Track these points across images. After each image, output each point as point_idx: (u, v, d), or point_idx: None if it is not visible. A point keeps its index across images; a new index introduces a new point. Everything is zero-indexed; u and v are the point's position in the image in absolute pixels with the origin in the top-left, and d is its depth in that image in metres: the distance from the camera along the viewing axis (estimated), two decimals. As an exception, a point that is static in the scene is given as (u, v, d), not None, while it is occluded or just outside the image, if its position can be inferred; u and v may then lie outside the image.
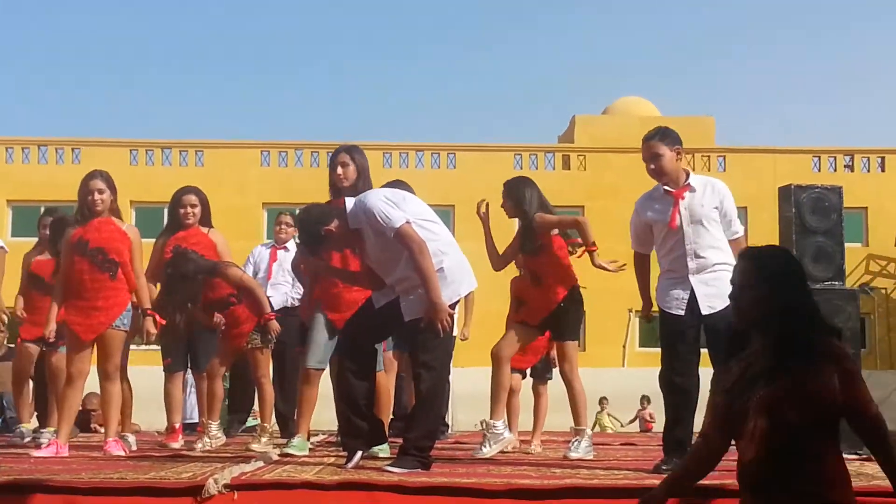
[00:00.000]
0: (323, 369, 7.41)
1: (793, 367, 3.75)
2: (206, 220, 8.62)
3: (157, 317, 7.87)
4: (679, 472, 4.47)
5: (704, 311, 6.43)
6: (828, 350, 3.80)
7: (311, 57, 70.36)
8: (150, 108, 66.33)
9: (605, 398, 18.03)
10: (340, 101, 69.67)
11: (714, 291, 6.42)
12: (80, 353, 7.57)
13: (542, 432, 8.43)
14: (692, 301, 6.51)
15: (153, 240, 8.69)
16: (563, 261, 7.65)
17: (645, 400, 18.89)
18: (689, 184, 6.67)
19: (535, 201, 7.63)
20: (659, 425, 12.00)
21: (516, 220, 7.78)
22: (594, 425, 10.23)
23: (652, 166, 6.75)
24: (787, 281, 3.93)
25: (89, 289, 7.58)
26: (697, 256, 6.52)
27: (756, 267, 3.99)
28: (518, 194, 7.63)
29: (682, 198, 6.60)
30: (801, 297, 3.92)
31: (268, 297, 8.50)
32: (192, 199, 8.60)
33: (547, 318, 7.59)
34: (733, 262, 6.34)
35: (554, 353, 8.25)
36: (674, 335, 6.57)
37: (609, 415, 19.07)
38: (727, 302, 6.15)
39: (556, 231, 7.64)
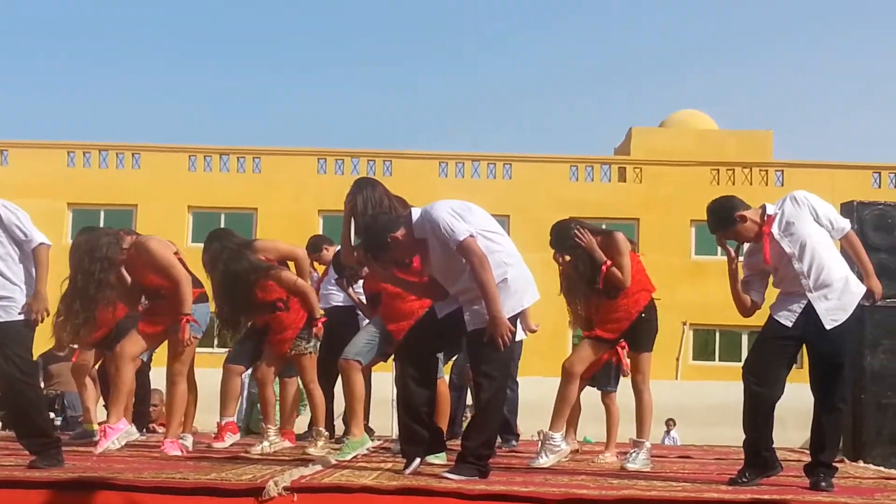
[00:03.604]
0: (357, 362, 7.37)
1: None
2: None
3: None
4: None
5: (828, 326, 6.18)
6: None
7: (368, 65, 70.65)
8: (210, 114, 66.92)
9: (671, 419, 17.83)
10: (397, 109, 69.97)
11: (835, 304, 6.23)
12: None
13: (616, 443, 8.39)
14: (806, 317, 6.26)
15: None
16: (640, 272, 7.67)
17: (671, 422, 18.68)
18: (769, 216, 6.40)
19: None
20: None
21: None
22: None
23: (736, 246, 6.58)
24: None
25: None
26: (810, 275, 6.26)
27: None
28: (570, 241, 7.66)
29: (770, 231, 6.35)
30: None
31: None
32: None
33: (627, 330, 7.62)
34: (848, 271, 6.32)
35: (616, 361, 8.25)
36: (769, 340, 6.36)
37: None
38: (849, 313, 6.15)
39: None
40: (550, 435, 7.59)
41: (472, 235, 6.08)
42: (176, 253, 8.11)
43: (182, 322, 7.78)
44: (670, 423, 18.45)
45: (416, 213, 6.32)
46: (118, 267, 7.92)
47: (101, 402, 9.47)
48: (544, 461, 7.46)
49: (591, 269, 7.64)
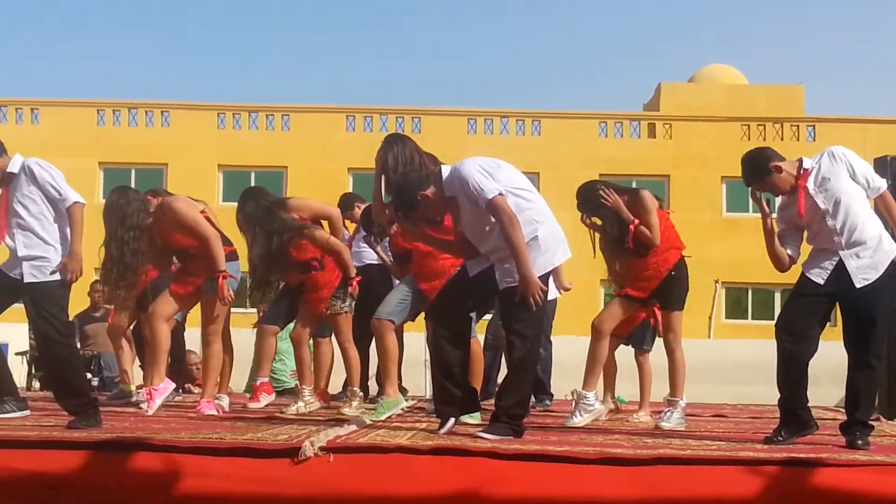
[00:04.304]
0: (390, 321, 7.38)
1: None
2: None
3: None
4: None
5: (859, 285, 6.14)
6: None
7: (396, 22, 70.37)
8: (238, 71, 66.88)
9: None
10: (426, 67, 69.72)
11: (867, 263, 6.17)
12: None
13: (649, 402, 8.39)
14: (838, 274, 6.20)
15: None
16: (669, 230, 7.65)
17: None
18: (805, 170, 6.31)
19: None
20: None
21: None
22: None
23: (769, 197, 6.51)
24: None
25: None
26: (843, 232, 6.19)
27: None
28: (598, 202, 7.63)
29: (805, 185, 6.27)
30: None
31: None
32: None
33: (657, 288, 7.61)
34: (882, 230, 6.24)
35: (654, 321, 8.23)
36: (802, 298, 6.31)
37: None
38: (881, 272, 6.09)
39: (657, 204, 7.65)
40: (584, 394, 7.59)
41: (501, 194, 6.04)
42: (203, 212, 8.13)
43: (219, 280, 7.81)
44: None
45: (445, 171, 6.29)
46: (149, 231, 7.96)
47: (137, 362, 9.53)
48: (578, 420, 7.47)
49: (620, 230, 7.62)
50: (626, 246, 7.62)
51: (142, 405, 7.89)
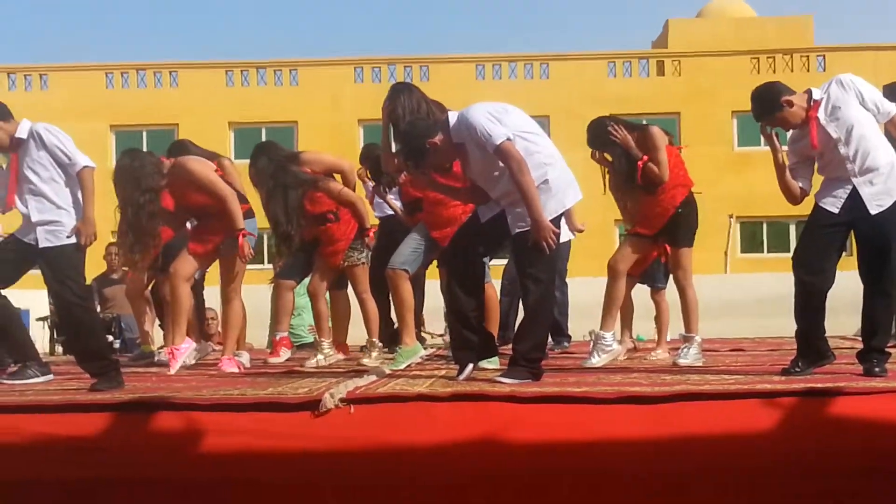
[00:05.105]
0: (405, 271, 7.37)
1: None
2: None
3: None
4: None
5: (873, 211, 6.13)
6: None
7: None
8: (244, 28, 66.56)
9: None
10: (431, 14, 69.23)
11: (881, 189, 6.16)
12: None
13: (666, 340, 8.42)
14: (852, 202, 6.19)
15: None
16: (678, 166, 7.63)
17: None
18: (815, 100, 6.27)
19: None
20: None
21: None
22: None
23: (778, 130, 6.48)
24: None
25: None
26: (856, 160, 6.17)
27: None
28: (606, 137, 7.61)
29: (816, 115, 6.23)
30: None
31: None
32: None
33: (665, 226, 7.61)
34: (894, 156, 6.22)
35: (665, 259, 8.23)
36: (817, 229, 6.30)
37: None
38: (895, 198, 6.06)
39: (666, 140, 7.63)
40: (601, 334, 7.61)
41: (509, 139, 6.02)
42: (217, 170, 8.13)
43: (239, 238, 7.82)
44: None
45: (453, 118, 6.26)
46: (163, 192, 7.97)
47: (157, 323, 9.58)
48: (597, 361, 7.49)
49: (629, 166, 7.60)
50: (635, 182, 7.61)
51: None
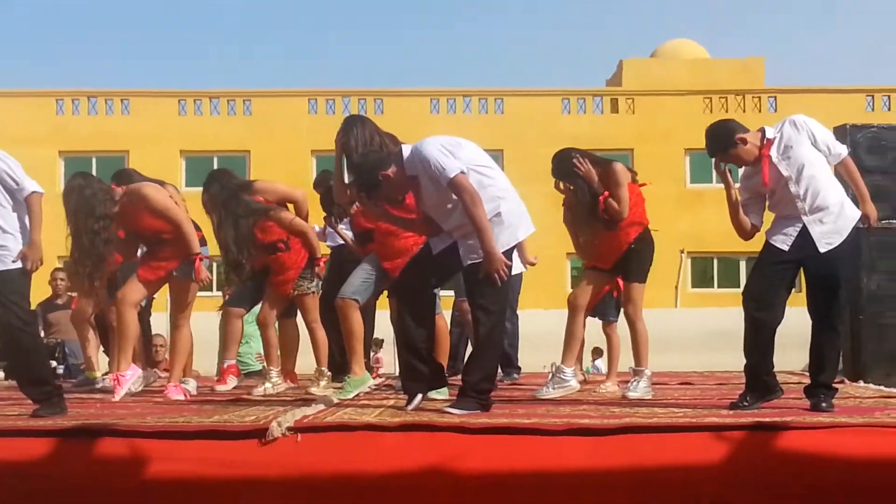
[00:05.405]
0: (355, 301, 7.33)
1: None
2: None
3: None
4: None
5: (823, 249, 6.20)
6: None
7: (355, 6, 70.08)
8: (198, 58, 66.45)
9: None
10: (387, 48, 69.50)
11: (830, 228, 6.24)
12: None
13: (616, 373, 8.44)
14: (802, 240, 6.26)
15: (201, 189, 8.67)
16: (638, 205, 7.66)
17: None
18: (768, 139, 6.35)
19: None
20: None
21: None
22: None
23: (732, 169, 6.55)
24: None
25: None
26: (806, 198, 6.24)
27: None
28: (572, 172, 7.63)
29: (769, 153, 6.31)
30: None
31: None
32: None
33: (618, 260, 7.63)
34: (844, 196, 6.32)
35: (616, 293, 8.26)
36: (767, 265, 6.36)
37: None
38: (844, 237, 6.13)
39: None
40: (562, 368, 7.63)
41: (462, 172, 6.04)
42: (171, 196, 8.09)
43: (196, 262, 7.80)
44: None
45: (406, 150, 6.27)
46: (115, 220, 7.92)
47: (101, 349, 9.48)
48: (550, 392, 7.50)
49: (592, 198, 7.63)
50: (598, 216, 7.62)
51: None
